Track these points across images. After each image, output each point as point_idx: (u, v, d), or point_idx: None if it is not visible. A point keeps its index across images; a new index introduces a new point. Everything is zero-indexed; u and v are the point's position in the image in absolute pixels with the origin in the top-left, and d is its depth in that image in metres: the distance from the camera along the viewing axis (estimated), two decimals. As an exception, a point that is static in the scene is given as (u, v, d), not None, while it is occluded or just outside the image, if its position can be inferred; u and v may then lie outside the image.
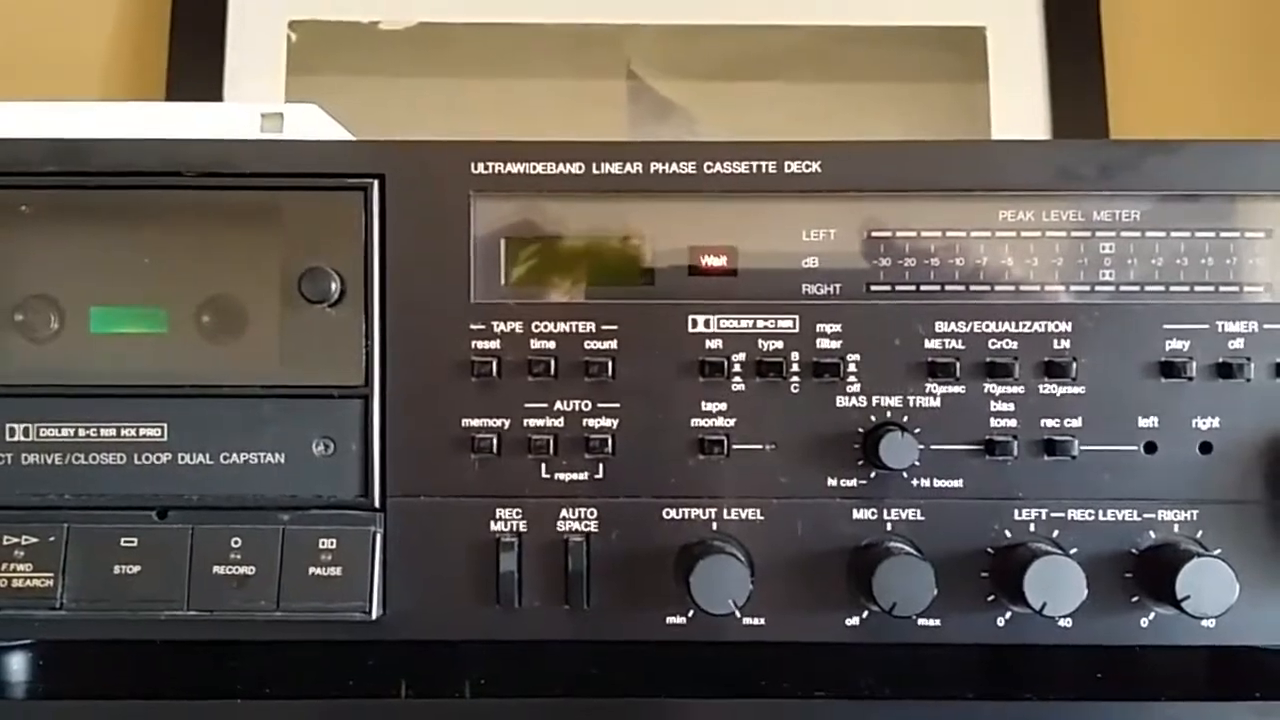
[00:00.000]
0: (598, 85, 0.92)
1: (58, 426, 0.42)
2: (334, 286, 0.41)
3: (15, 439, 0.42)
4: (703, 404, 0.43)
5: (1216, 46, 0.90)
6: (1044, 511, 0.43)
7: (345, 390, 0.42)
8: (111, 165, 0.42)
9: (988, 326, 0.43)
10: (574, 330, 0.43)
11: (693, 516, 0.43)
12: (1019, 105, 0.87)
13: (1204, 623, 0.42)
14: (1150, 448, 0.43)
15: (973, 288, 0.43)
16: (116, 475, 0.42)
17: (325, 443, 0.42)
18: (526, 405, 0.43)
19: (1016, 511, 0.43)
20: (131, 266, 0.43)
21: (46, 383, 0.42)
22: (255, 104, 0.43)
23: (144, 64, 0.94)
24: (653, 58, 0.92)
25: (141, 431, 0.42)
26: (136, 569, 0.42)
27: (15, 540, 0.42)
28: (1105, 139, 0.80)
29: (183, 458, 0.42)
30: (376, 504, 0.42)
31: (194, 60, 0.92)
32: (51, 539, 0.42)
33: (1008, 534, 0.43)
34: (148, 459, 0.42)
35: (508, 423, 0.43)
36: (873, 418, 0.43)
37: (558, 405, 0.43)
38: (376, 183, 0.42)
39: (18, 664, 0.46)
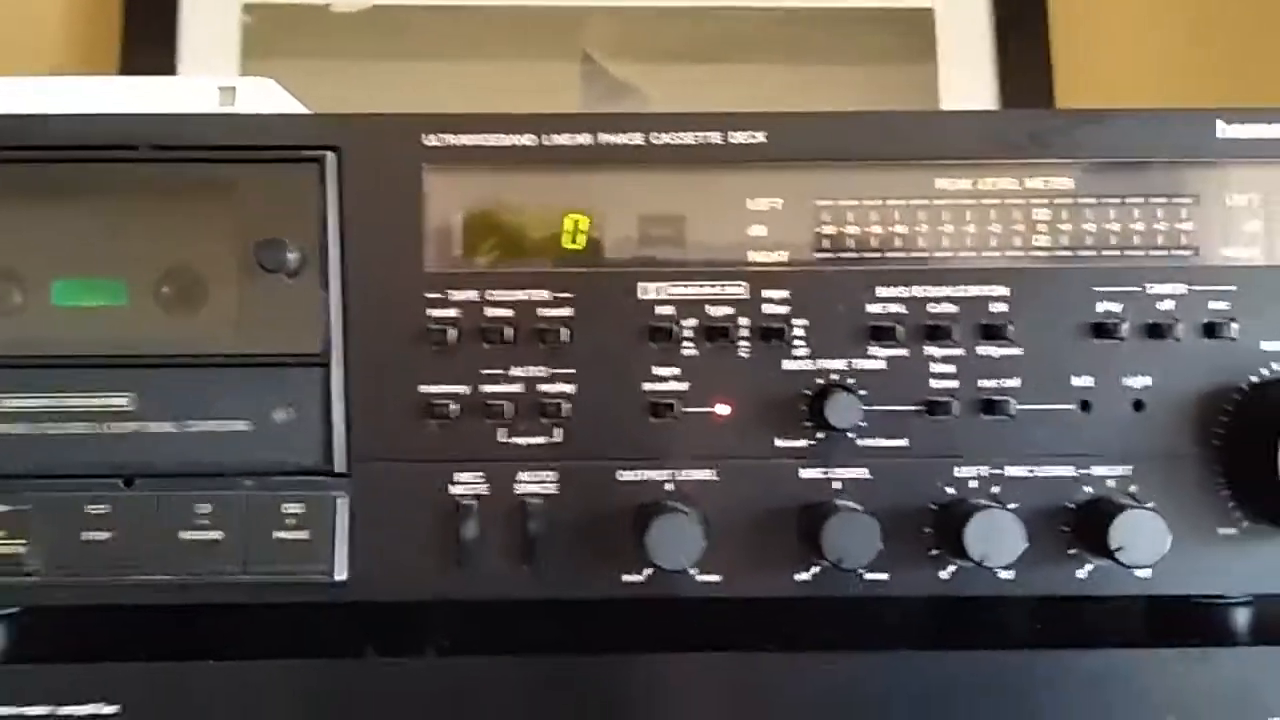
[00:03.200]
0: (552, 67, 0.93)
1: (24, 397, 0.43)
2: (291, 257, 0.42)
3: None
4: (654, 369, 0.44)
5: (1158, 23, 0.93)
6: (984, 469, 0.44)
7: (304, 359, 0.43)
8: (69, 139, 0.43)
9: (927, 291, 0.44)
10: (528, 298, 0.44)
11: (647, 478, 0.44)
12: (967, 84, 0.89)
13: (1139, 573, 0.44)
14: (1085, 406, 0.44)
15: (913, 254, 0.45)
16: (83, 445, 0.43)
17: (287, 410, 0.43)
18: (483, 372, 0.44)
19: (957, 469, 0.44)
20: (91, 240, 0.44)
21: (12, 354, 0.43)
22: (212, 77, 0.44)
23: (96, 51, 0.94)
24: (607, 41, 0.93)
25: (108, 401, 0.43)
26: (106, 535, 0.43)
27: (-15, 509, 0.43)
28: (1038, 109, 0.82)
29: (149, 426, 0.43)
30: (339, 469, 0.43)
31: (148, 46, 0.92)
32: (21, 508, 0.43)
33: (950, 490, 0.44)
34: (114, 428, 0.43)
35: (466, 389, 0.44)
36: (819, 380, 0.44)
37: (514, 371, 0.44)
38: (332, 155, 0.43)
39: None
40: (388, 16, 0.94)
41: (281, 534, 0.43)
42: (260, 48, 0.93)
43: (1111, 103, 0.86)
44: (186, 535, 0.43)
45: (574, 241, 0.45)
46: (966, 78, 0.89)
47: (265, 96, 0.45)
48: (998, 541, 0.42)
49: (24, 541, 0.43)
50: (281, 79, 0.94)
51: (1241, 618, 0.48)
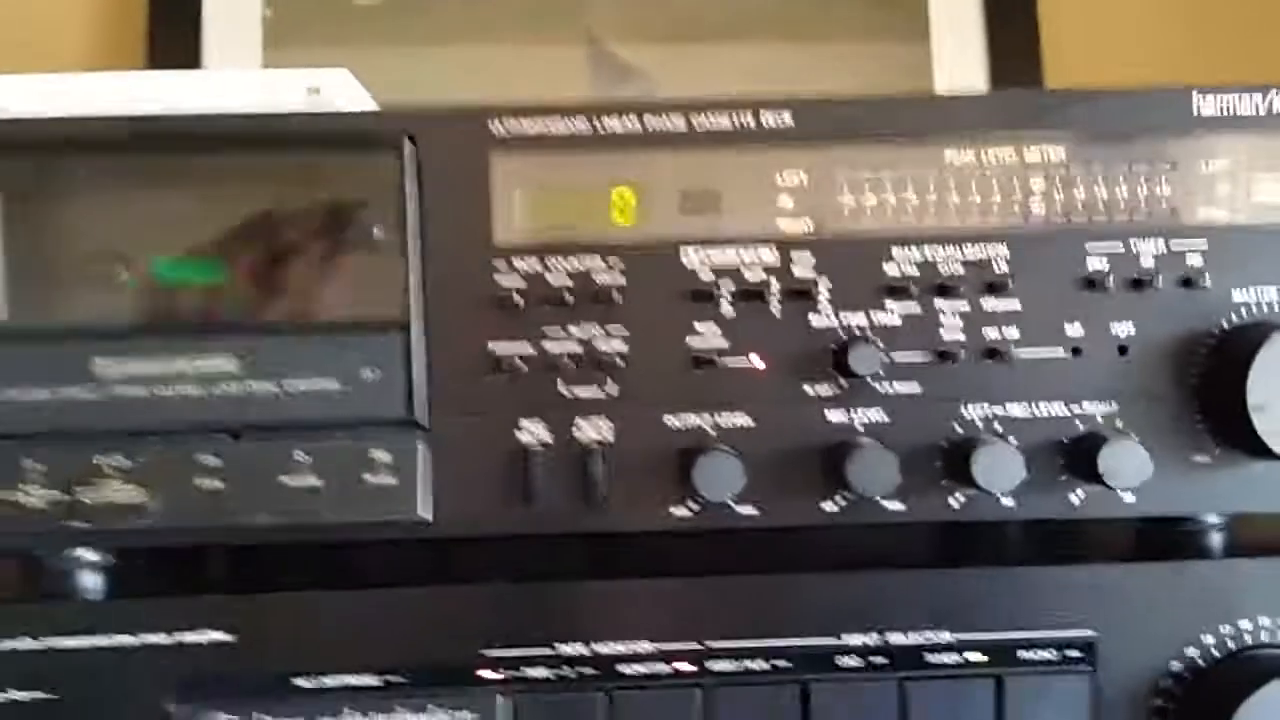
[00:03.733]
0: (560, 51, 0.97)
1: (139, 362, 0.48)
2: (375, 234, 0.48)
3: (103, 373, 0.48)
4: (696, 326, 0.49)
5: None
6: (988, 408, 0.49)
7: (388, 324, 0.48)
8: (178, 133, 0.48)
9: (937, 252, 0.49)
10: (585, 266, 0.49)
11: (692, 424, 0.49)
12: (959, 60, 0.94)
13: (1124, 497, 0.50)
14: (1076, 351, 0.49)
15: (924, 220, 0.50)
16: (194, 404, 0.48)
17: (373, 370, 0.48)
18: (545, 331, 0.49)
19: (964, 409, 0.49)
20: (193, 223, 0.49)
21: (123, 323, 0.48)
22: (298, 73, 0.49)
23: (121, 40, 0.98)
24: (612, 24, 0.97)
25: (214, 365, 0.48)
26: (216, 483, 0.48)
27: (108, 460, 0.48)
28: (1036, 89, 0.87)
29: (251, 386, 0.48)
30: (420, 421, 0.49)
31: (173, 34, 0.96)
32: (140, 460, 0.48)
33: (958, 428, 0.50)
34: (221, 389, 0.48)
35: (530, 347, 0.49)
36: (842, 334, 0.49)
37: (573, 331, 0.49)
38: (409, 143, 0.48)
39: (92, 580, 0.52)
40: (405, 5, 0.98)
41: (371, 479, 0.48)
42: (282, 37, 0.97)
43: (1097, 77, 0.92)
44: (288, 481, 0.48)
45: (622, 215, 0.50)
46: (958, 54, 0.94)
47: (342, 85, 0.50)
48: (1001, 471, 0.48)
49: (144, 490, 0.48)
50: (302, 65, 0.99)
51: (1214, 538, 0.53)
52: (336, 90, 0.49)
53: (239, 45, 0.97)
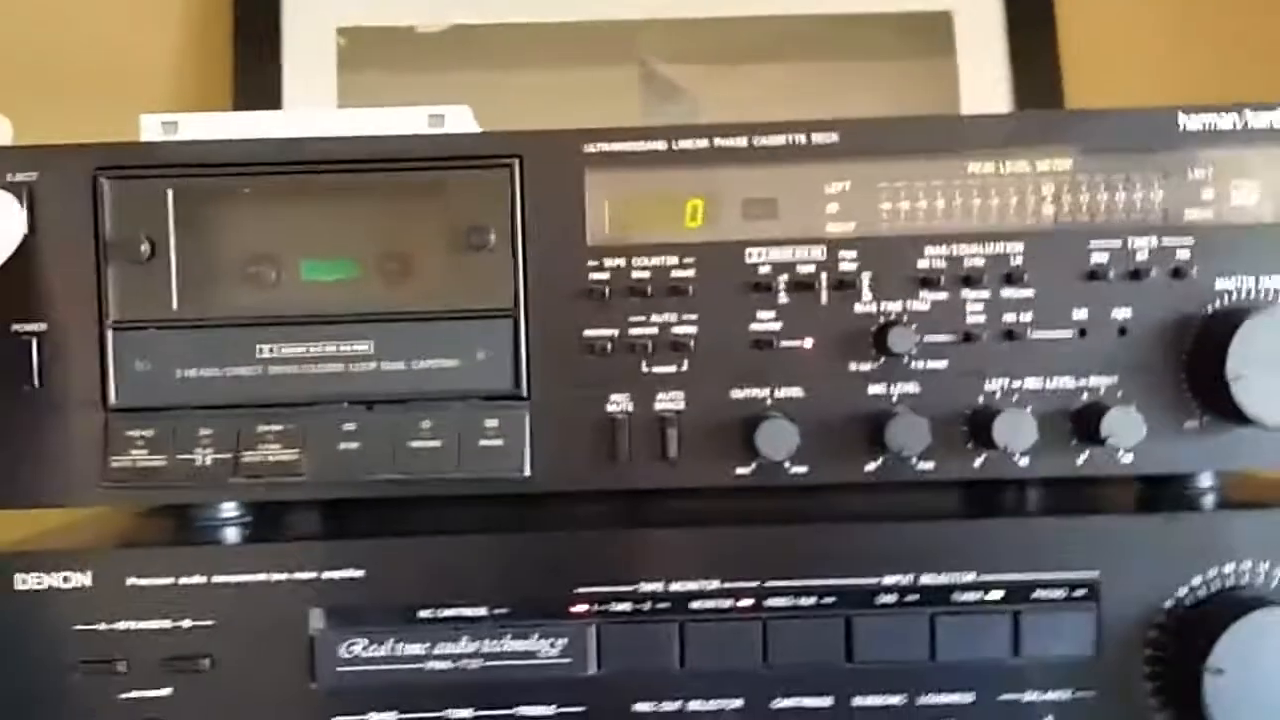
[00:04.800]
0: (613, 73, 1.05)
1: (289, 346, 0.57)
2: (490, 238, 0.56)
3: (263, 355, 0.57)
4: (757, 314, 0.57)
5: (1156, 22, 1.05)
6: (1006, 381, 0.57)
7: (500, 313, 0.57)
8: (323, 156, 0.57)
9: (963, 249, 0.57)
10: (663, 263, 0.58)
11: (753, 395, 0.58)
12: (984, 77, 1.01)
13: (1123, 457, 0.58)
14: (1082, 333, 0.57)
15: (951, 221, 0.58)
16: (336, 380, 0.56)
17: (486, 351, 0.57)
18: (630, 319, 0.57)
19: (986, 383, 0.57)
20: (332, 231, 0.57)
21: (275, 315, 0.57)
22: (422, 107, 0.58)
23: (208, 70, 1.06)
24: (660, 48, 1.04)
25: (354, 347, 0.57)
26: (355, 445, 0.57)
27: (267, 427, 0.57)
28: (1049, 109, 0.95)
29: (384, 365, 0.57)
30: (524, 394, 0.57)
31: (256, 65, 1.05)
32: (293, 425, 0.57)
33: (980, 399, 0.58)
34: (358, 368, 0.57)
35: (617, 332, 0.57)
36: (881, 319, 0.57)
37: (653, 318, 0.57)
38: (517, 161, 0.57)
39: (231, 532, 0.61)
40: (465, 34, 1.05)
41: (484, 442, 0.57)
42: (353, 64, 1.06)
43: (1113, 91, 1.00)
44: (414, 444, 0.57)
45: (693, 220, 0.59)
46: (983, 72, 1.02)
47: (461, 117, 0.59)
48: (1017, 433, 0.56)
49: (297, 451, 0.57)
50: (372, 90, 1.08)
51: (1206, 495, 0.61)
52: (455, 120, 0.58)
53: (316, 72, 1.05)
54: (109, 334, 0.57)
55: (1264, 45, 1.06)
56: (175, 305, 0.57)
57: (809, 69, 1.05)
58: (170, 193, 0.56)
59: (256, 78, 1.04)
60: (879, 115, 0.60)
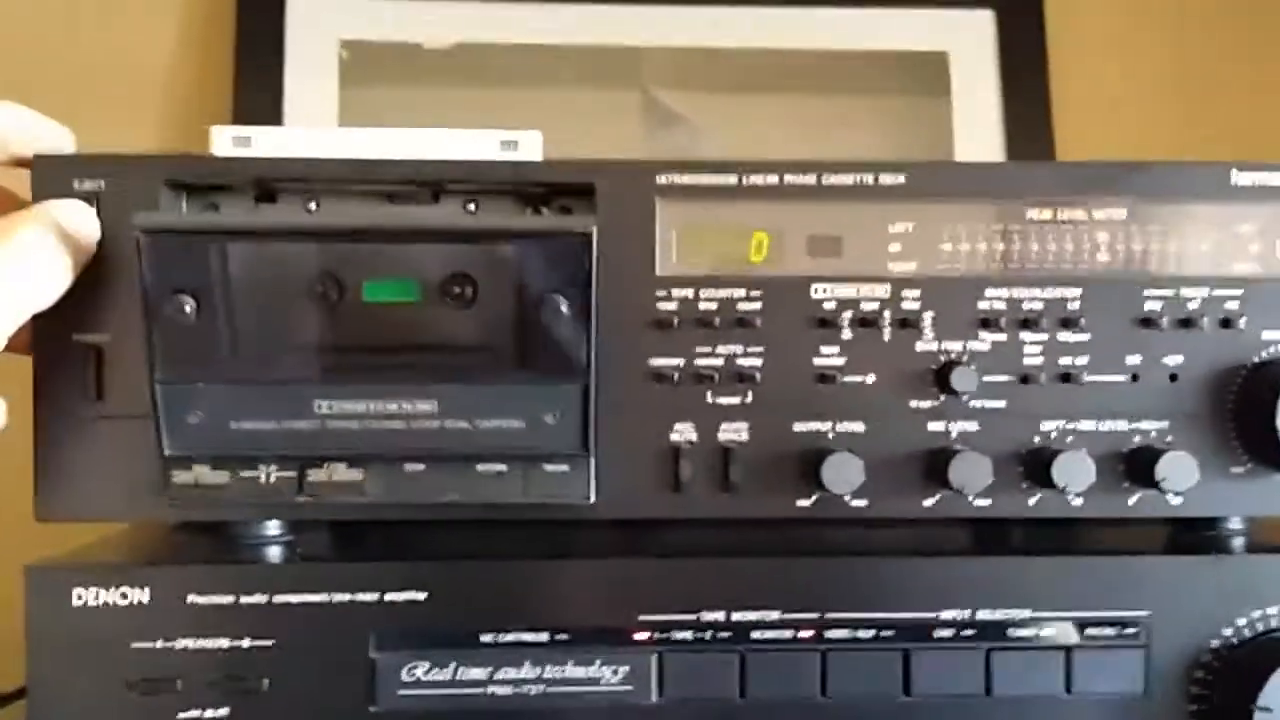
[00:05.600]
0: (615, 96, 1.06)
1: (354, 402, 0.55)
2: (562, 309, 0.54)
3: (321, 411, 0.55)
4: (821, 349, 0.58)
5: (1147, 71, 1.10)
6: (1062, 423, 0.58)
7: (570, 378, 0.55)
8: (393, 177, 0.58)
9: (1022, 292, 0.59)
10: (730, 295, 0.58)
11: (816, 429, 0.58)
12: (977, 118, 1.04)
13: (1173, 500, 0.59)
14: (1134, 378, 0.58)
15: (1010, 265, 0.59)
16: (399, 436, 0.55)
17: (554, 415, 0.55)
18: (696, 349, 0.58)
19: (1043, 424, 0.59)
20: (393, 252, 0.55)
21: (335, 344, 0.55)
22: (496, 131, 0.59)
23: (209, 80, 1.07)
24: (663, 75, 1.06)
25: (416, 406, 0.55)
26: (421, 467, 0.57)
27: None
28: (1039, 154, 1.00)
29: (448, 424, 0.55)
30: (591, 454, 0.56)
31: (258, 78, 1.06)
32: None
33: (1036, 439, 0.59)
34: (422, 425, 0.55)
35: (683, 361, 0.58)
36: (942, 357, 0.59)
37: (719, 349, 0.58)
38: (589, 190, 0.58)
39: (275, 551, 0.60)
40: (471, 52, 1.06)
41: (549, 467, 0.57)
42: (357, 79, 1.06)
43: (1103, 136, 1.04)
44: (480, 468, 0.57)
45: (758, 253, 0.60)
46: (976, 113, 1.05)
47: (532, 143, 0.59)
48: (1076, 473, 0.57)
49: (361, 471, 0.56)
50: (375, 106, 1.08)
51: (1235, 538, 0.62)
52: (527, 145, 0.58)
53: (317, 88, 1.06)
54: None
55: (1255, 94, 1.10)
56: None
57: (808, 101, 1.07)
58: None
59: (258, 90, 1.04)
60: (872, 148, 0.60)
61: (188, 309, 0.53)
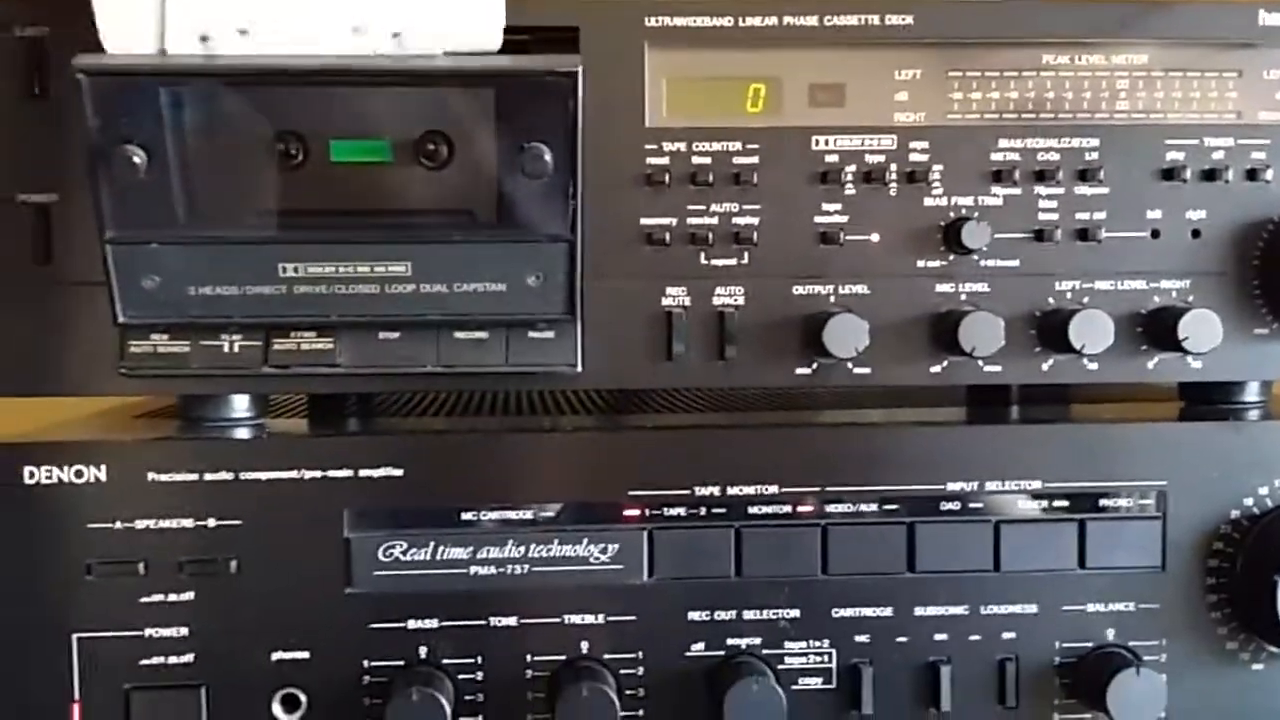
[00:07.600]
0: None
1: (320, 265, 0.51)
2: (546, 161, 0.49)
3: (287, 274, 0.51)
4: (822, 205, 0.55)
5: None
6: (1078, 283, 0.55)
7: (554, 238, 0.51)
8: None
9: (1037, 143, 0.55)
10: (725, 149, 0.55)
11: (816, 291, 0.55)
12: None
13: (1193, 364, 0.56)
14: (1155, 234, 0.56)
15: (1024, 114, 0.56)
16: (370, 301, 0.51)
17: (538, 277, 0.52)
18: (689, 207, 0.54)
19: (1057, 283, 0.55)
20: (361, 110, 0.51)
21: (298, 208, 0.51)
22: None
23: None
24: None
25: (390, 268, 0.51)
26: (395, 335, 0.53)
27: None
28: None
29: (424, 287, 0.51)
30: (578, 317, 0.52)
31: None
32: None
33: (1051, 300, 0.56)
34: (395, 289, 0.51)
35: (675, 221, 0.55)
36: (951, 214, 0.55)
37: (713, 207, 0.54)
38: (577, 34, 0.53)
39: (242, 433, 0.56)
40: None
41: (534, 334, 0.54)
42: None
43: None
44: (459, 334, 0.53)
45: (755, 103, 0.56)
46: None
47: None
48: (1094, 334, 0.54)
49: (331, 340, 0.53)
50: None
51: (1249, 408, 0.59)
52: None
53: None
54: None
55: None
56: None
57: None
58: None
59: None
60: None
61: (137, 160, 0.48)
